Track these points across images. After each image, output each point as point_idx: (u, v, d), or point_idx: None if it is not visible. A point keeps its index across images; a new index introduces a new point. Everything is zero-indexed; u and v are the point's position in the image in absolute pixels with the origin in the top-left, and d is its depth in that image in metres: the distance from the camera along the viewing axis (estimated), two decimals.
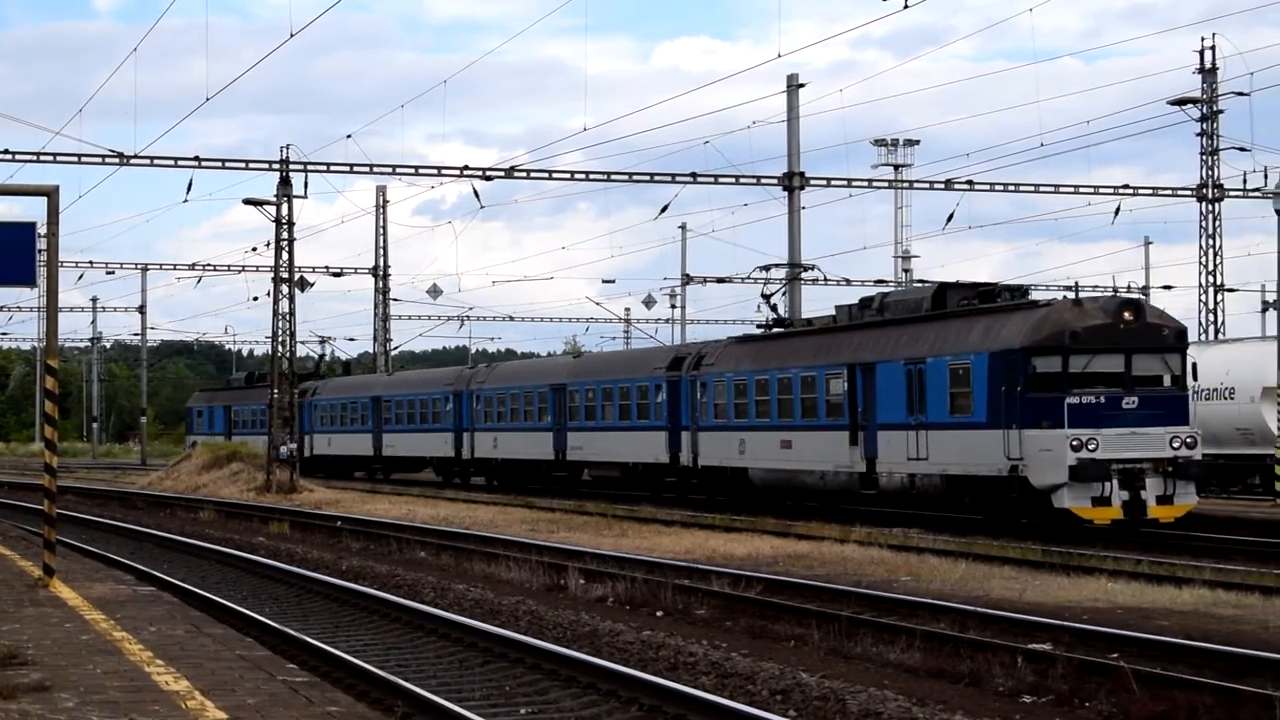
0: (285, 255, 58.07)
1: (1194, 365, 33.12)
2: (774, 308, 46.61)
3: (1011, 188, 59.85)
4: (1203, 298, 61.00)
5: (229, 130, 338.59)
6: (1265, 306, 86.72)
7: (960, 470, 33.67)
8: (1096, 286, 62.88)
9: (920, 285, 37.90)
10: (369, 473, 72.90)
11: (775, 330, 45.02)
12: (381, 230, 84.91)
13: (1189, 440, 31.57)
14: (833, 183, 58.49)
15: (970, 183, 58.22)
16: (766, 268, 46.51)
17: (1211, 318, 60.77)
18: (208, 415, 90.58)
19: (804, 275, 51.29)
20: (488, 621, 19.95)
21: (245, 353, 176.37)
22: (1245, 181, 59.92)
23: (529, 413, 56.05)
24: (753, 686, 15.38)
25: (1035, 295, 38.04)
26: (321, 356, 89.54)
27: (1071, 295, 33.75)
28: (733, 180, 57.13)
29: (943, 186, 58.79)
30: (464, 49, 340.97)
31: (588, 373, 53.67)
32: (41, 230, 20.70)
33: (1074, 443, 30.83)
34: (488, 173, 57.51)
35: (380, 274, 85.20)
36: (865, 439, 37.06)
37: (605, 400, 51.04)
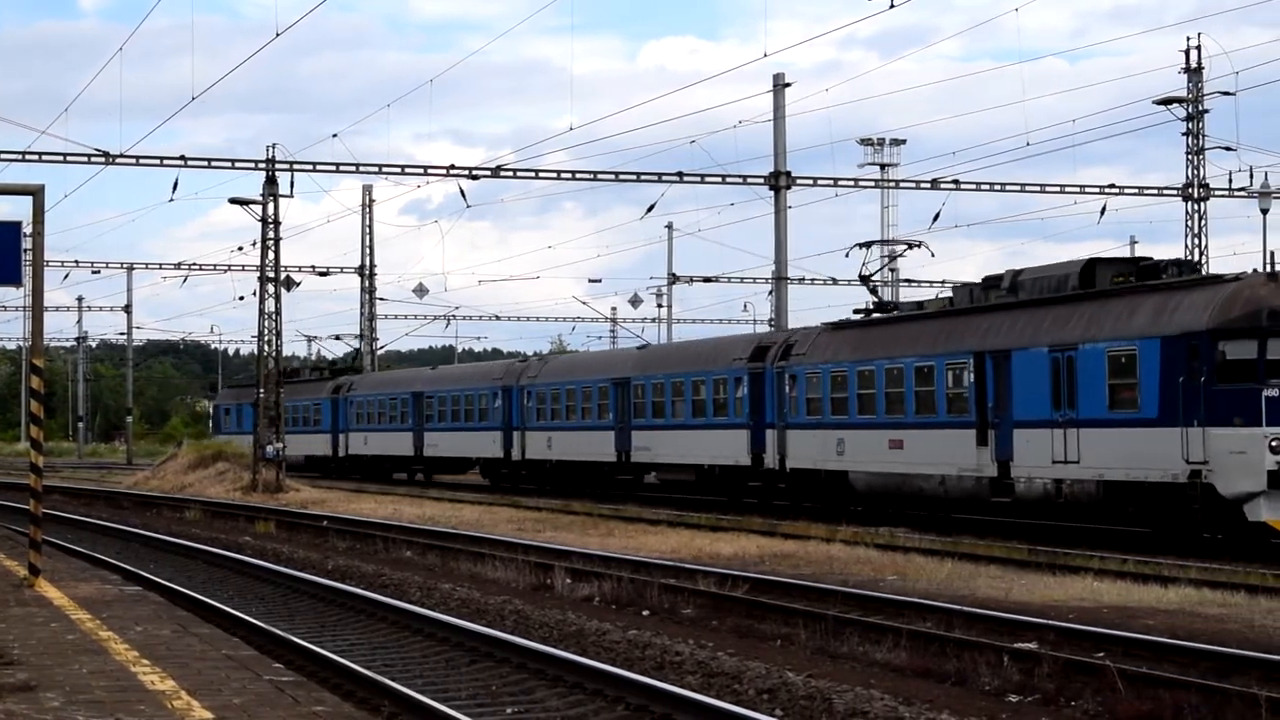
0: (271, 255, 58.04)
1: None
2: (874, 290, 41.10)
3: (997, 187, 59.92)
4: None
5: (215, 129, 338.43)
6: None
7: (1122, 475, 29.24)
8: None
9: (1061, 262, 33.48)
10: (409, 474, 69.03)
11: (877, 315, 39.57)
12: (367, 230, 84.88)
13: None
14: (819, 182, 58.57)
15: (956, 182, 58.27)
16: (866, 245, 41.15)
17: None
18: (235, 413, 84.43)
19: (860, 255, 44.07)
20: (474, 621, 19.93)
21: (231, 352, 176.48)
22: (1231, 181, 60.06)
23: (588, 410, 51.78)
24: (739, 686, 15.38)
25: None
26: (358, 350, 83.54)
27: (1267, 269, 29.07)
28: (719, 180, 57.25)
29: (929, 186, 58.83)
30: (450, 48, 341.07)
31: (656, 365, 49.05)
32: (27, 229, 20.69)
33: (1274, 443, 26.68)
34: (474, 172, 57.48)
35: (366, 273, 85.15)
36: (997, 438, 32.63)
37: (676, 395, 46.51)
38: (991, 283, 35.04)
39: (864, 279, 41.10)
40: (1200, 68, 58.60)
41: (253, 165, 57.26)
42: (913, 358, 35.40)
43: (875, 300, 40.60)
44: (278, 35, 42.16)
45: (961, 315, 35.01)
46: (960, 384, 33.75)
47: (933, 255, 45.67)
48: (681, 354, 49.81)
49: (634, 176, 57.20)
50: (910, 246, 41.82)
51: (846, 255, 42.44)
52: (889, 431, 35.95)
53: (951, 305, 36.37)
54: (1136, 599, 21.25)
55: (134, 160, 55.05)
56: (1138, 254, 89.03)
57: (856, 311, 40.75)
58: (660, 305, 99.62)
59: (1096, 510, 30.48)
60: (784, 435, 40.41)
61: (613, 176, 57.35)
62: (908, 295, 70.81)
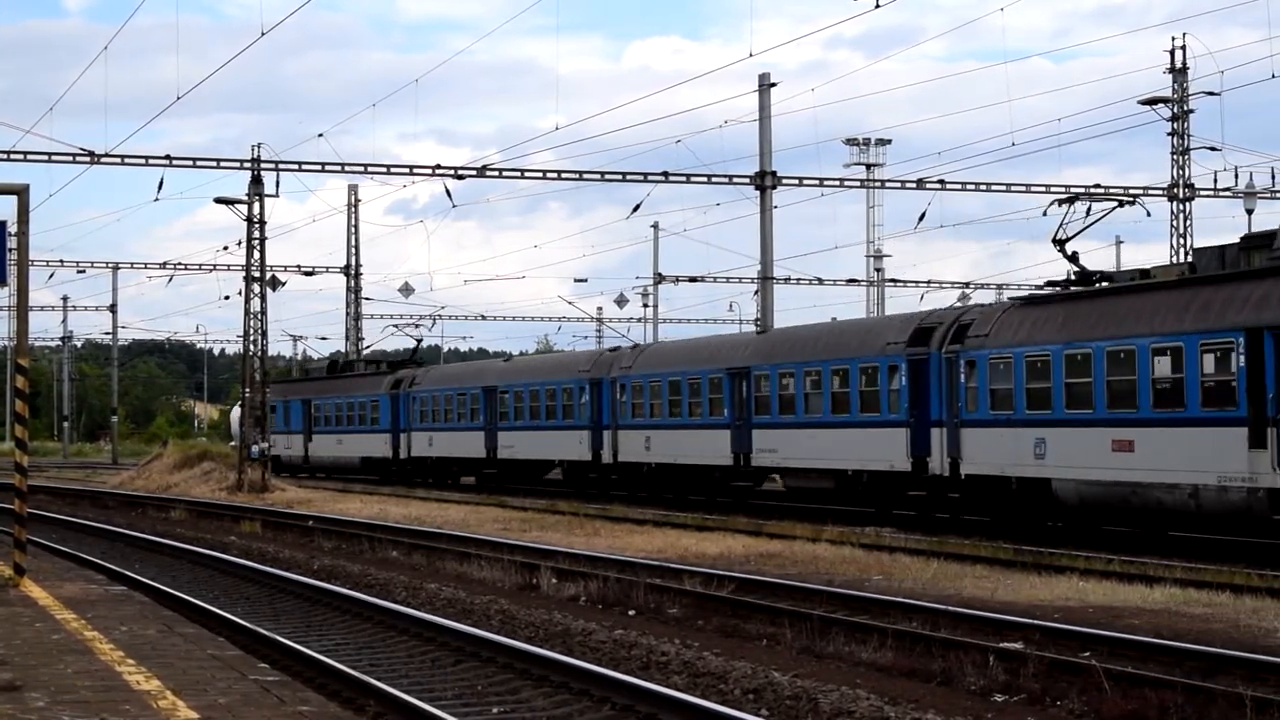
0: (257, 254, 57.98)
1: None
2: (1073, 257, 33.22)
3: (983, 187, 59.96)
4: None
5: (200, 129, 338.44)
6: None
7: None
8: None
9: None
10: (479, 478, 61.27)
11: (1081, 288, 32.28)
12: (353, 229, 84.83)
13: None
14: (804, 182, 58.60)
15: (942, 182, 58.32)
16: (1070, 199, 33.70)
17: None
18: (282, 411, 75.90)
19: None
20: (460, 621, 19.92)
21: (217, 352, 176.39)
22: (1216, 181, 60.22)
23: (696, 405, 45.12)
24: (725, 686, 15.38)
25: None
26: (419, 341, 77.77)
27: None
28: (704, 179, 57.30)
29: (914, 186, 58.86)
30: (435, 48, 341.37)
31: (782, 353, 42.27)
32: (12, 229, 20.66)
33: None
34: (459, 172, 57.42)
35: (352, 273, 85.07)
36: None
37: (811, 388, 39.76)
38: (1257, 242, 28.51)
39: (1060, 244, 33.30)
40: (1185, 68, 58.76)
41: (238, 165, 57.26)
42: (1149, 337, 28.56)
43: (1077, 270, 33.07)
44: (263, 35, 42.02)
45: (1217, 283, 28.10)
46: (1224, 369, 26.97)
47: (1148, 215, 40.88)
48: (815, 339, 42.44)
49: (620, 176, 57.18)
50: (1121, 204, 34.09)
51: (1044, 214, 33.30)
52: (1113, 430, 29.27)
53: (1193, 272, 29.58)
54: (1122, 599, 21.27)
55: (119, 160, 54.98)
56: (1122, 254, 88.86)
57: (1051, 284, 34.25)
58: (646, 305, 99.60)
59: None
60: (957, 434, 33.81)
61: (598, 176, 57.34)
62: (897, 295, 70.55)
